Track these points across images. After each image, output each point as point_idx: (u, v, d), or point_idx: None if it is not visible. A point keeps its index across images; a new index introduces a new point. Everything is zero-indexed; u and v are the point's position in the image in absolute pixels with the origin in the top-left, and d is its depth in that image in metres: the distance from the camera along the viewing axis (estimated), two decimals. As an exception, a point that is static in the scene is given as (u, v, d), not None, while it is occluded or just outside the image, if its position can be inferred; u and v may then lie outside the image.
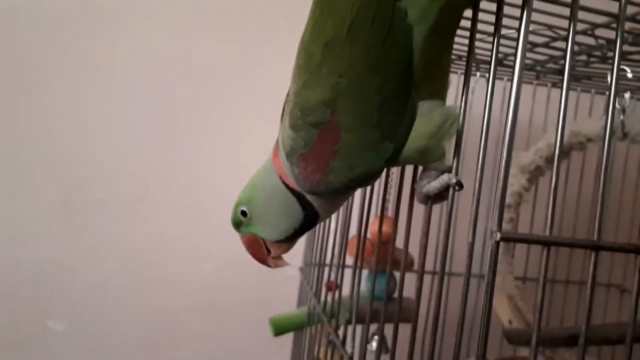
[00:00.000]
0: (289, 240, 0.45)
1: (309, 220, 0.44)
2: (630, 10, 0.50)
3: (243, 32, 0.98)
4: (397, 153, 0.38)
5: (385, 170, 0.43)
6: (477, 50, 0.63)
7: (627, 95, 0.67)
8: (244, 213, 0.45)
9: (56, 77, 0.94)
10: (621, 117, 0.67)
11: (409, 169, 0.45)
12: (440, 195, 0.40)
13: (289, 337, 0.85)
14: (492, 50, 0.37)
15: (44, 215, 0.94)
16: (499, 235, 0.31)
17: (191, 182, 0.98)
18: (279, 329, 0.70)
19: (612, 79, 0.35)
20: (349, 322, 0.58)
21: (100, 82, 0.95)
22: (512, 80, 0.32)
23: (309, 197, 0.42)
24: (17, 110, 0.93)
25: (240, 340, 0.99)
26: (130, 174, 0.97)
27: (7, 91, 0.92)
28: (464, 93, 0.39)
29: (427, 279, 0.75)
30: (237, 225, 0.46)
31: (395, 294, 0.64)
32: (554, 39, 0.61)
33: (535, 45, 0.65)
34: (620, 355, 0.85)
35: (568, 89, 0.35)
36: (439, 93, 0.40)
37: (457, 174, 0.38)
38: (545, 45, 0.63)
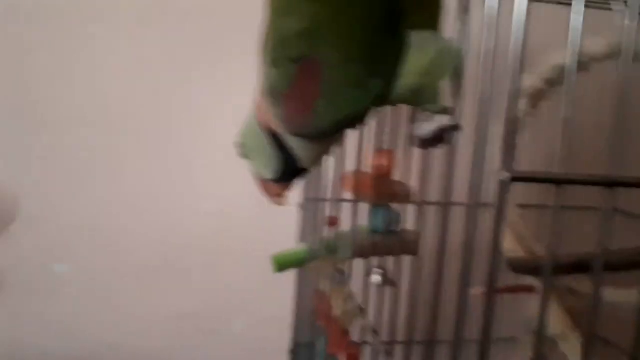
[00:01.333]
0: (280, 181, 0.44)
1: (289, 164, 0.42)
2: None
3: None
4: (387, 91, 0.35)
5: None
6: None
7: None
8: (239, 145, 0.44)
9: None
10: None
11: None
12: (440, 138, 0.38)
13: (292, 274, 0.85)
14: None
15: (42, 157, 0.95)
16: (506, 174, 0.29)
17: (190, 123, 0.97)
18: (281, 266, 0.70)
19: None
20: (350, 257, 0.57)
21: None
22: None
23: (286, 138, 0.40)
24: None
25: (242, 278, 1.01)
26: (127, 116, 0.96)
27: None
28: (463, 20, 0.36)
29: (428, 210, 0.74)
30: (241, 156, 0.45)
31: (397, 228, 0.63)
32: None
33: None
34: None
35: None
36: (432, 21, 0.35)
37: (456, 115, 0.36)
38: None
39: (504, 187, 0.30)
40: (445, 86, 0.35)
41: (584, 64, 0.70)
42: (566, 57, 0.68)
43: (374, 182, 0.64)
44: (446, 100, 0.36)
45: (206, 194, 0.98)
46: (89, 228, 0.97)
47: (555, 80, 0.68)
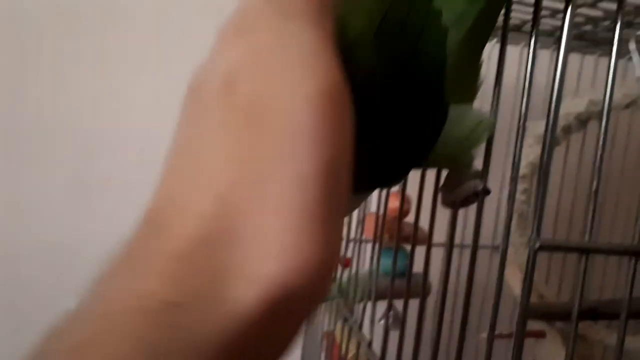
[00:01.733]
0: None
1: None
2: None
3: None
4: (424, 157, 0.35)
5: None
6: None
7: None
8: None
9: (68, 55, 0.92)
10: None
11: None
12: (468, 199, 0.39)
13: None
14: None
15: (55, 191, 0.93)
16: (538, 243, 0.30)
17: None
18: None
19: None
20: (364, 300, 0.57)
21: (114, 64, 0.93)
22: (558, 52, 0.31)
23: None
24: (28, 87, 0.92)
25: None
26: (140, 152, 0.95)
27: (17, 69, 0.91)
28: (496, 86, 0.37)
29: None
30: None
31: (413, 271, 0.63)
32: (579, 5, 0.59)
33: (555, 11, 0.63)
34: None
35: (617, 56, 0.33)
36: (470, 96, 0.37)
37: (485, 178, 0.37)
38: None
39: (534, 255, 0.31)
40: (478, 153, 0.36)
41: (598, 113, 0.70)
42: (581, 105, 0.69)
43: (388, 224, 0.64)
44: (477, 165, 0.37)
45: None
46: (101, 263, 0.96)
47: (571, 128, 0.69)
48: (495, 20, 0.36)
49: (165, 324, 0.20)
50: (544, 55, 0.80)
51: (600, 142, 0.33)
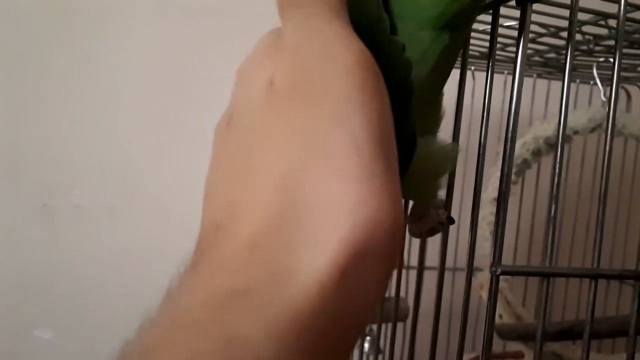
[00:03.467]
0: None
1: None
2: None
3: (239, 32, 0.97)
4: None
5: None
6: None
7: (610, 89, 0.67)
8: None
9: (37, 78, 0.91)
10: (605, 109, 0.68)
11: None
12: (433, 229, 0.40)
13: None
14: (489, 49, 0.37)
15: (23, 220, 0.92)
16: (499, 269, 0.31)
17: (175, 185, 0.96)
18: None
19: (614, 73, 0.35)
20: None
21: (79, 79, 0.93)
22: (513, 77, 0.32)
23: None
24: None
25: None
26: (111, 178, 0.95)
27: None
28: (457, 116, 0.39)
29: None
30: None
31: (387, 294, 0.63)
32: (541, 35, 0.61)
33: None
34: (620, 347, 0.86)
35: (569, 86, 0.35)
36: (434, 128, 0.37)
37: (449, 209, 0.38)
38: (532, 40, 0.63)
39: (495, 280, 0.32)
40: (443, 182, 0.37)
41: (567, 136, 0.72)
42: (550, 129, 0.71)
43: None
44: (441, 194, 0.38)
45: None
46: (72, 293, 0.94)
47: (540, 151, 0.71)
48: (457, 56, 0.37)
49: (235, 312, 0.21)
50: (527, 81, 0.83)
51: (557, 168, 0.34)
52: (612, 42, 0.59)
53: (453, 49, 0.35)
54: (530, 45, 0.65)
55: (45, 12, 0.91)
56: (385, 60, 0.31)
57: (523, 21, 0.33)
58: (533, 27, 0.59)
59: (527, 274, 0.37)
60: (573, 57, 0.68)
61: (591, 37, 0.57)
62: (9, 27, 0.90)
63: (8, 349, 0.93)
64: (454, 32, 0.33)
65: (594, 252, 0.34)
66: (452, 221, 0.38)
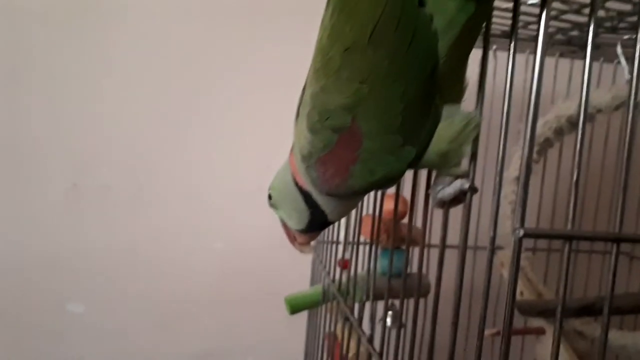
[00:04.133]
0: (307, 231, 0.47)
1: (318, 217, 0.45)
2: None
3: (248, 26, 0.98)
4: (420, 157, 0.38)
5: None
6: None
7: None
8: (270, 196, 0.47)
9: (63, 65, 0.94)
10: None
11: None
12: (457, 198, 0.40)
13: (303, 316, 0.86)
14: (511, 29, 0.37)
15: (55, 201, 0.95)
16: (522, 232, 0.32)
17: (199, 166, 0.99)
18: (294, 308, 0.71)
19: None
20: (363, 300, 0.58)
21: (108, 70, 0.95)
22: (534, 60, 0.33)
23: (315, 196, 0.43)
24: (25, 98, 0.94)
25: (252, 319, 1.01)
26: (137, 159, 0.98)
27: (13, 79, 0.93)
28: (480, 87, 0.39)
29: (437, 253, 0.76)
30: (271, 205, 0.48)
31: (409, 270, 0.64)
32: (563, 12, 0.60)
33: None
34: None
35: (591, 63, 0.35)
36: (458, 97, 0.39)
37: (472, 177, 0.39)
38: (555, 18, 0.63)
39: (519, 243, 0.32)
40: (466, 151, 0.38)
41: (590, 115, 0.72)
42: (572, 108, 0.71)
43: (386, 225, 0.65)
44: (465, 164, 0.39)
45: (218, 235, 1.00)
46: (103, 269, 0.98)
47: (562, 130, 0.71)
48: (481, 28, 0.38)
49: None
50: (549, 60, 0.82)
51: (578, 145, 0.34)
52: (635, 19, 0.59)
53: (477, 20, 0.36)
54: (552, 22, 0.65)
55: (76, 11, 0.93)
56: (413, 31, 0.34)
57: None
58: (555, 5, 0.59)
59: (549, 236, 0.37)
60: (596, 35, 0.68)
61: (615, 14, 0.57)
62: (43, 24, 0.93)
63: (42, 322, 0.96)
64: (479, 3, 0.35)
65: (615, 217, 0.35)
66: (475, 190, 0.38)
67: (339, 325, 0.67)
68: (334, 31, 0.37)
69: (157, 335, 1.00)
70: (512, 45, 0.38)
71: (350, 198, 0.43)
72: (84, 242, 0.97)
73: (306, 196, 0.43)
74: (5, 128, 0.93)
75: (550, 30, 0.68)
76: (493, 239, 0.37)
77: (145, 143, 0.97)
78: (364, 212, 0.62)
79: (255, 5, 0.97)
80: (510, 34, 0.38)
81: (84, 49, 0.94)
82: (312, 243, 0.51)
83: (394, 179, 0.39)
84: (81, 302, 0.98)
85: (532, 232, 0.33)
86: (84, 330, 0.98)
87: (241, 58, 0.98)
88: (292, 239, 0.48)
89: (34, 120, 0.94)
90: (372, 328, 0.55)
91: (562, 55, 0.81)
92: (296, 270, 0.89)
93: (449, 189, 0.40)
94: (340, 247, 0.67)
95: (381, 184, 0.39)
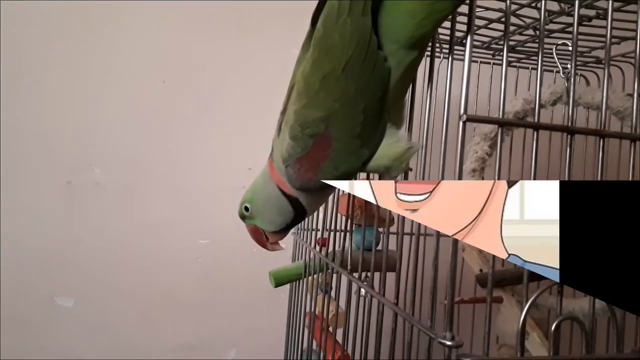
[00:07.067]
0: (283, 231, 0.59)
1: (299, 215, 0.57)
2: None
3: (240, 29, 1.07)
4: (370, 158, 0.50)
5: None
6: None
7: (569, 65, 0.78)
8: (247, 209, 0.58)
9: (56, 67, 1.00)
10: (565, 84, 0.78)
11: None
12: None
13: (284, 305, 0.94)
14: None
15: (50, 198, 1.01)
16: (465, 117, 0.43)
17: (186, 165, 1.06)
18: (279, 281, 0.78)
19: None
20: (339, 270, 0.67)
21: (99, 73, 1.02)
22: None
23: (300, 198, 0.55)
24: (20, 98, 0.99)
25: (235, 310, 1.08)
26: (128, 158, 1.04)
27: (8, 78, 0.99)
28: (429, 92, 0.50)
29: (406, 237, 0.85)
30: (242, 217, 0.59)
31: (379, 247, 0.72)
32: (491, 21, 0.71)
33: (490, 21, 0.74)
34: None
35: (507, 65, 0.45)
36: (399, 122, 0.52)
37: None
38: (499, 20, 0.72)
39: (463, 127, 0.43)
40: (405, 167, 0.51)
41: (532, 109, 0.83)
42: (517, 105, 0.81)
43: (359, 202, 0.74)
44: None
45: (204, 231, 1.06)
46: (92, 264, 1.03)
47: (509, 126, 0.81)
48: (417, 68, 0.51)
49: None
50: (486, 69, 0.93)
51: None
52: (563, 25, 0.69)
53: (416, 62, 0.50)
54: (485, 32, 0.75)
55: (70, 14, 1.01)
56: (373, 66, 0.48)
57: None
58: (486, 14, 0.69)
59: (487, 121, 0.55)
60: (534, 39, 0.79)
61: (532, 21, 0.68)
62: (43, 26, 1.00)
63: (32, 316, 1.01)
64: (418, 50, 0.49)
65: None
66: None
67: (319, 297, 0.75)
68: (315, 64, 0.49)
69: (145, 328, 1.05)
70: (450, 61, 0.48)
71: (320, 191, 0.54)
72: (74, 238, 1.02)
73: (292, 201, 0.55)
74: (1, 128, 0.98)
75: (485, 39, 0.80)
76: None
77: (135, 143, 1.04)
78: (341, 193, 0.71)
79: (244, 13, 1.06)
80: (449, 54, 0.48)
81: (78, 52, 1.01)
82: (281, 242, 0.62)
83: (352, 174, 0.52)
84: (71, 296, 1.03)
85: (474, 117, 0.44)
86: (73, 324, 1.03)
87: (227, 61, 1.06)
88: (264, 243, 0.59)
89: (33, 120, 1.00)
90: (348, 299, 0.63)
91: (510, 64, 0.92)
92: (278, 264, 0.97)
93: None
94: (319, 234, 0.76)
95: (343, 178, 0.51)
